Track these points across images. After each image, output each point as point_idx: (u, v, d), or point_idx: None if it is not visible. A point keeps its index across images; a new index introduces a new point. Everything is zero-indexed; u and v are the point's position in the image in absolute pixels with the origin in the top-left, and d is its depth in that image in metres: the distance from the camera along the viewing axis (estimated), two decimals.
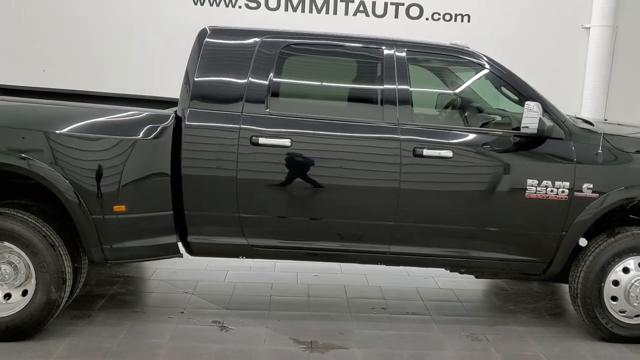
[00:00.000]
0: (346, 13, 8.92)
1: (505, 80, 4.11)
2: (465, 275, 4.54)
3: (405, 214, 3.99)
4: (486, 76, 4.17)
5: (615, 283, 4.14)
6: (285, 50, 4.00)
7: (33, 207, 3.93)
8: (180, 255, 4.11)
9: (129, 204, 3.79)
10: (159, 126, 3.82)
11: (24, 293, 3.82)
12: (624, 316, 4.18)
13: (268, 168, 3.91)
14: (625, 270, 4.14)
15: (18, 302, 3.80)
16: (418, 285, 5.25)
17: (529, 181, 3.98)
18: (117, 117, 3.83)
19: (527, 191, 3.99)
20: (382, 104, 4.00)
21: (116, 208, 3.77)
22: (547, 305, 4.95)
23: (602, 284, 4.12)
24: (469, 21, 8.98)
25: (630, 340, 4.20)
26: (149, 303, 4.58)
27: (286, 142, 3.88)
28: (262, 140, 3.86)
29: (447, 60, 4.25)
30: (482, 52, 4.15)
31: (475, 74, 4.22)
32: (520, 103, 4.09)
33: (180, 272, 5.25)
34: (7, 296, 3.82)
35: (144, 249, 3.92)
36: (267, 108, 3.92)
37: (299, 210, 4.00)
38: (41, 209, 3.95)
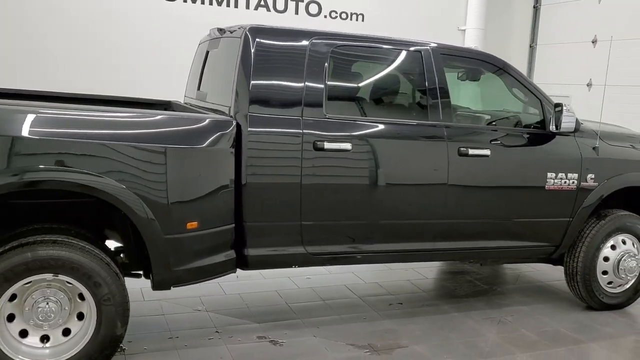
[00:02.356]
0: (247, 7, 8.77)
1: (520, 81, 4.45)
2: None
3: (451, 212, 4.15)
4: (503, 78, 4.48)
5: (606, 259, 4.75)
6: (335, 52, 3.91)
7: (71, 231, 3.38)
8: (235, 271, 3.82)
9: (201, 220, 3.44)
10: (224, 133, 3.51)
11: (66, 333, 3.27)
12: (610, 287, 4.83)
13: (331, 173, 3.81)
14: (613, 247, 4.77)
15: (62, 344, 3.25)
16: (410, 277, 5.46)
17: (549, 174, 4.40)
18: (183, 126, 3.42)
19: (547, 183, 4.40)
20: (426, 105, 4.10)
21: (189, 225, 3.39)
22: (525, 286, 5.48)
23: (596, 261, 4.71)
24: (363, 20, 9.36)
25: (614, 307, 4.86)
26: (172, 327, 4.16)
27: (347, 145, 3.81)
28: (325, 145, 3.74)
29: (473, 62, 4.47)
30: (500, 57, 4.46)
31: (496, 75, 4.50)
32: (530, 103, 4.48)
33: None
34: (46, 339, 3.25)
35: (209, 267, 3.58)
36: (325, 111, 3.80)
37: (360, 214, 3.95)
38: (80, 233, 3.41)
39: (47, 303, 3.17)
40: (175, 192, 3.32)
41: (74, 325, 3.29)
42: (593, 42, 8.76)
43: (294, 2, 8.96)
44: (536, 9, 9.93)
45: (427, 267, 5.76)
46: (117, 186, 3.13)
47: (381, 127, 3.98)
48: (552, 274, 5.81)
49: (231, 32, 4.03)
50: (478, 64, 4.45)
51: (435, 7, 9.72)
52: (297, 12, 9.00)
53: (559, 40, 9.41)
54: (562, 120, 4.16)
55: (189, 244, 3.42)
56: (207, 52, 4.52)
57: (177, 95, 5.19)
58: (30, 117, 3.02)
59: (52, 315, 3.19)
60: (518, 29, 10.17)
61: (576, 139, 4.53)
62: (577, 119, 4.23)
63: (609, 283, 4.81)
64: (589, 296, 4.76)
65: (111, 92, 5.04)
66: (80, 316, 3.29)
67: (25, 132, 2.97)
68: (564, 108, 4.16)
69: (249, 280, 5.05)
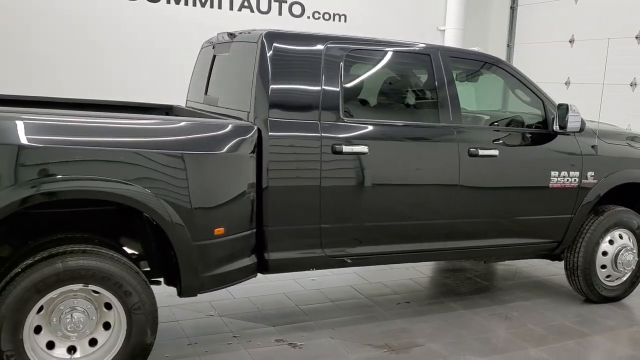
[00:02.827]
0: (231, 8, 8.70)
1: (523, 82, 4.56)
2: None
3: (462, 211, 4.24)
4: (506, 79, 4.59)
5: (604, 253, 4.91)
6: (349, 56, 3.95)
7: (95, 240, 3.34)
8: (255, 275, 3.83)
9: (227, 226, 3.43)
10: (246, 139, 3.51)
11: (92, 343, 3.24)
12: (608, 280, 4.99)
13: (348, 175, 3.85)
14: (611, 242, 4.94)
15: (91, 354, 3.22)
16: (411, 276, 5.54)
17: (552, 172, 4.52)
18: (207, 132, 3.41)
19: (550, 181, 4.53)
20: (437, 106, 4.17)
21: (217, 231, 3.38)
22: (523, 282, 5.62)
23: (596, 256, 4.87)
24: (345, 21, 9.40)
25: (612, 299, 5.04)
26: (188, 333, 4.14)
27: (364, 148, 3.85)
28: (344, 148, 3.78)
29: (478, 65, 4.56)
30: (503, 59, 4.56)
31: (499, 76, 4.60)
32: (533, 104, 4.60)
33: (173, 293, 4.78)
34: (73, 349, 3.21)
35: (233, 273, 3.58)
36: (341, 115, 3.84)
37: (377, 215, 4.00)
38: (104, 241, 3.37)
39: (75, 313, 3.13)
40: (203, 198, 3.32)
41: (101, 335, 3.25)
42: (570, 42, 9.00)
43: (277, 3, 8.95)
44: (513, 9, 10.13)
45: (426, 265, 5.86)
46: (147, 193, 3.11)
47: (396, 129, 4.04)
48: (547, 269, 5.98)
49: (243, 37, 4.03)
50: (485, 67, 4.53)
51: (415, 7, 9.83)
52: (280, 13, 8.99)
53: (536, 40, 9.62)
54: (569, 120, 4.28)
55: (216, 249, 3.42)
56: (214, 56, 4.50)
57: (162, 97, 5.18)
58: (59, 126, 2.98)
59: (81, 326, 3.15)
60: (496, 28, 10.36)
61: (576, 137, 4.66)
62: (582, 119, 4.36)
63: (607, 277, 4.98)
64: (589, 290, 4.91)
65: (98, 96, 4.97)
66: (107, 326, 3.26)
67: (56, 141, 2.93)
68: (570, 108, 4.28)
69: (256, 284, 5.00)
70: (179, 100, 5.11)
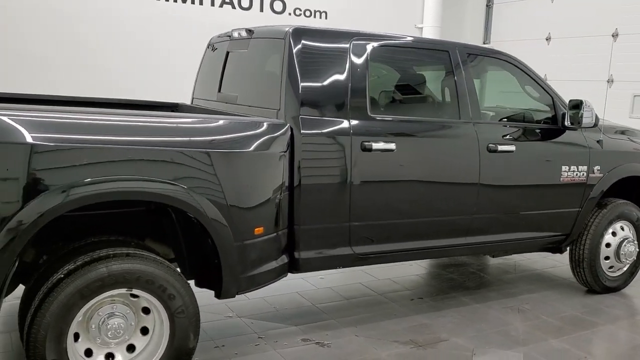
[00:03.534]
0: (212, 4, 8.60)
1: (534, 79, 4.65)
2: None
3: (482, 207, 4.29)
4: (517, 75, 4.66)
5: (608, 245, 5.06)
6: (374, 52, 3.93)
7: (131, 243, 3.24)
8: (286, 275, 3.78)
9: (266, 225, 3.38)
10: (282, 137, 3.46)
11: (130, 349, 3.14)
12: (611, 271, 5.14)
13: (377, 173, 3.84)
14: (614, 234, 5.08)
15: None
16: (416, 272, 5.58)
17: (563, 167, 4.63)
18: (246, 130, 3.33)
19: (561, 176, 4.63)
20: (457, 103, 4.20)
21: (257, 231, 3.32)
22: (524, 275, 5.73)
23: (600, 247, 5.01)
24: (326, 18, 9.40)
25: (614, 290, 5.19)
26: (212, 335, 4.05)
27: (392, 145, 3.85)
28: (373, 146, 3.76)
29: (493, 61, 4.60)
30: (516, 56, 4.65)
31: (511, 73, 4.67)
32: (543, 100, 4.70)
33: None
34: (111, 357, 3.10)
35: (268, 273, 3.52)
36: (368, 112, 3.82)
37: (403, 212, 4.01)
38: (138, 244, 3.28)
39: (115, 319, 3.02)
40: (244, 197, 3.25)
41: (139, 341, 3.16)
42: (547, 40, 9.22)
43: (259, 0, 8.87)
44: (489, 7, 10.32)
45: (427, 260, 5.90)
46: (192, 194, 3.02)
47: (421, 125, 4.06)
48: (543, 261, 6.12)
49: (265, 33, 3.97)
50: (497, 63, 4.59)
51: (394, 5, 9.91)
52: (262, 10, 8.93)
53: (513, 37, 9.82)
54: (584, 116, 4.38)
55: (255, 250, 3.36)
56: (228, 53, 4.42)
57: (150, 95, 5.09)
58: (111, 126, 2.88)
59: (121, 332, 3.05)
60: (472, 26, 10.54)
61: (583, 133, 4.78)
62: (596, 115, 4.47)
63: (610, 268, 5.13)
64: (594, 281, 5.05)
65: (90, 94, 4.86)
66: (144, 331, 3.17)
67: (108, 141, 2.82)
68: (584, 104, 4.38)
69: None
70: (166, 98, 5.02)
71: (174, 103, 4.97)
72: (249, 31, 4.15)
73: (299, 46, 3.68)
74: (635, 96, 7.76)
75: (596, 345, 4.20)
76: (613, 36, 8.33)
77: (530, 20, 9.53)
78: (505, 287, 5.31)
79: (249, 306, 4.58)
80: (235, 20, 8.59)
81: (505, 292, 5.16)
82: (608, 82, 8.37)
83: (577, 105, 4.45)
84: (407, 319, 4.46)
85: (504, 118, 4.83)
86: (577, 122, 4.44)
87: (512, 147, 4.34)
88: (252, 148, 3.29)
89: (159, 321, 3.12)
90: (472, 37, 10.46)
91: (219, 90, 4.46)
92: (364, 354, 3.86)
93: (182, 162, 3.02)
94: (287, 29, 3.73)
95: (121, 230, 3.43)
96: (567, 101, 4.65)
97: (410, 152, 3.94)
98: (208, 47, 4.87)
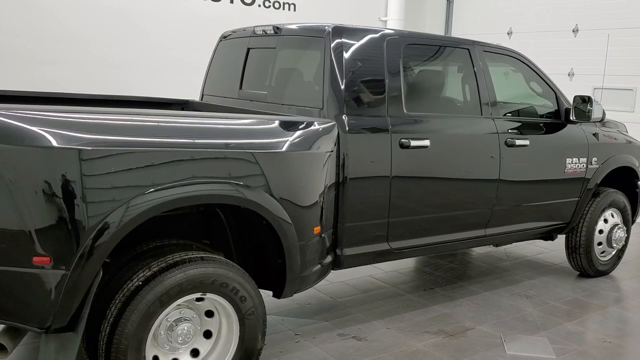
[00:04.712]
0: None
1: (540, 75, 4.86)
2: None
3: (501, 200, 4.47)
4: (524, 72, 4.86)
5: (600, 232, 5.38)
6: (406, 50, 4.01)
7: (193, 246, 3.19)
8: (329, 273, 3.82)
9: (322, 225, 3.40)
10: (332, 136, 3.48)
11: (194, 354, 3.11)
12: (602, 256, 5.48)
13: (413, 169, 3.93)
14: (605, 221, 5.41)
15: None
16: (416, 263, 5.73)
17: (567, 159, 4.88)
18: (301, 130, 3.32)
19: (566, 168, 4.88)
20: (479, 99, 4.35)
21: (315, 230, 3.34)
22: (519, 262, 6.00)
23: (594, 234, 5.32)
24: (295, 10, 9.39)
25: (604, 273, 5.54)
26: None
27: (426, 142, 3.95)
28: (411, 143, 3.85)
29: (504, 59, 4.77)
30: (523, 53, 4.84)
31: (519, 69, 4.86)
32: (546, 95, 4.93)
33: None
34: None
35: (318, 271, 3.55)
36: (404, 109, 3.90)
37: (436, 207, 4.12)
38: (199, 247, 3.23)
39: (185, 324, 2.98)
40: (304, 197, 3.26)
41: (202, 345, 3.12)
42: (509, 34, 9.58)
43: None
44: (449, 1, 10.58)
45: None
46: (264, 194, 3.01)
47: (451, 122, 4.18)
48: (530, 248, 6.42)
49: (300, 31, 3.97)
50: (507, 59, 4.77)
51: None
52: (232, 2, 8.80)
53: (474, 32, 10.11)
54: (594, 111, 4.63)
55: (312, 248, 3.38)
56: (249, 50, 4.38)
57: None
58: (201, 129, 2.84)
59: (190, 337, 3.01)
60: (433, 20, 10.78)
61: (582, 126, 5.05)
62: (603, 110, 4.73)
63: (602, 253, 5.46)
64: (589, 266, 5.36)
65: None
66: (207, 334, 3.13)
67: (198, 144, 2.79)
68: (594, 100, 4.63)
69: None
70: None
71: (183, 100, 4.87)
72: (277, 29, 4.12)
73: (340, 44, 3.70)
74: (595, 89, 8.19)
75: (608, 327, 4.47)
76: (573, 31, 8.76)
77: (491, 15, 9.86)
78: (505, 274, 5.55)
79: (271, 303, 4.56)
80: (205, 13, 8.49)
81: (507, 280, 5.38)
82: (569, 75, 8.81)
83: (584, 100, 4.69)
84: (428, 310, 4.59)
85: (515, 113, 5.02)
86: (585, 116, 4.68)
87: (527, 142, 4.54)
88: (310, 148, 3.30)
89: (227, 324, 3.09)
90: (433, 30, 10.70)
91: (240, 87, 4.41)
92: (401, 346, 3.96)
93: (253, 163, 2.99)
94: (326, 27, 3.74)
95: (169, 233, 3.37)
96: (566, 96, 4.90)
97: (442, 148, 4.05)
98: (219, 43, 4.80)
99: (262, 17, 8.68)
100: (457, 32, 10.54)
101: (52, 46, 7.20)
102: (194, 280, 2.85)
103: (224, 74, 4.66)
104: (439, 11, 10.80)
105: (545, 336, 4.22)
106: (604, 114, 4.84)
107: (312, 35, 3.83)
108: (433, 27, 10.77)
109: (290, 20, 8.93)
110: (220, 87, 4.67)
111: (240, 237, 3.45)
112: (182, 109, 4.81)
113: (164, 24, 7.98)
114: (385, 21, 10.25)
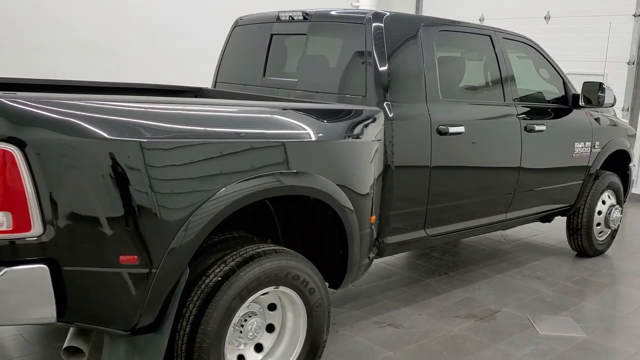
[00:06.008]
0: None
1: (549, 61, 4.98)
2: None
3: (522, 184, 4.57)
4: (534, 58, 4.96)
5: (599, 212, 5.59)
6: (438, 37, 4.01)
7: (254, 239, 3.12)
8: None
9: (376, 214, 3.38)
10: (381, 123, 3.46)
11: (257, 349, 3.05)
12: (599, 236, 5.70)
13: (450, 156, 3.95)
14: (603, 202, 5.62)
15: None
16: (426, 249, 5.80)
17: (576, 144, 5.03)
18: (359, 118, 3.28)
19: (574, 152, 5.03)
20: (502, 85, 4.41)
21: (372, 219, 3.31)
22: (518, 244, 6.16)
23: (594, 215, 5.52)
24: None
25: (601, 252, 5.76)
26: None
27: (461, 128, 3.98)
28: (449, 129, 3.87)
29: (519, 45, 4.84)
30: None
31: (531, 55, 4.95)
32: (554, 81, 5.05)
33: None
34: (241, 359, 3.00)
35: (367, 263, 3.53)
36: (440, 96, 3.92)
37: (469, 193, 4.17)
38: (261, 239, 3.16)
39: (255, 319, 2.91)
40: (363, 186, 3.23)
41: (266, 339, 3.06)
42: (480, 21, 9.74)
43: None
44: None
45: None
46: (331, 184, 2.97)
47: (480, 109, 4.22)
48: (525, 230, 6.59)
49: (335, 17, 3.90)
50: (522, 47, 4.84)
51: None
52: None
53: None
54: (606, 97, 4.78)
55: (368, 238, 3.35)
56: (272, 36, 4.27)
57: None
58: (261, 120, 2.73)
59: (259, 332, 2.94)
60: (404, 7, 10.82)
61: (584, 112, 5.20)
62: (614, 96, 4.89)
63: (600, 233, 5.67)
64: (589, 246, 5.57)
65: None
66: (269, 328, 3.07)
67: (260, 135, 2.68)
68: (605, 86, 4.78)
69: None
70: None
71: (197, 87, 4.72)
72: (306, 14, 4.04)
73: (381, 31, 3.66)
74: (567, 74, 8.45)
75: (623, 304, 4.66)
76: (545, 18, 9.00)
77: (463, 1, 9.99)
78: (509, 257, 5.69)
79: None
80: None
81: (513, 262, 5.52)
82: None
83: (594, 86, 4.84)
84: (451, 294, 4.65)
85: (528, 99, 5.10)
86: (596, 102, 4.82)
87: (544, 127, 4.64)
88: (365, 136, 3.27)
89: (293, 317, 3.04)
90: None
91: (264, 75, 4.30)
92: (439, 331, 4.00)
93: (324, 153, 2.95)
94: (366, 14, 3.69)
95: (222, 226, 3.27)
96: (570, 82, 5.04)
97: (474, 135, 4.09)
98: (233, 29, 4.66)
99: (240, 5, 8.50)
100: None
101: (46, 32, 6.85)
102: (270, 273, 2.78)
103: (241, 61, 4.54)
104: None
105: (568, 316, 4.35)
106: (615, 99, 5.01)
107: (351, 22, 3.77)
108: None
109: (252, 5, 8.79)
110: (237, 74, 4.55)
111: (288, 229, 3.39)
112: (196, 97, 4.66)
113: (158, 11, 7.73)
114: (357, 6, 10.21)
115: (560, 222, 5.89)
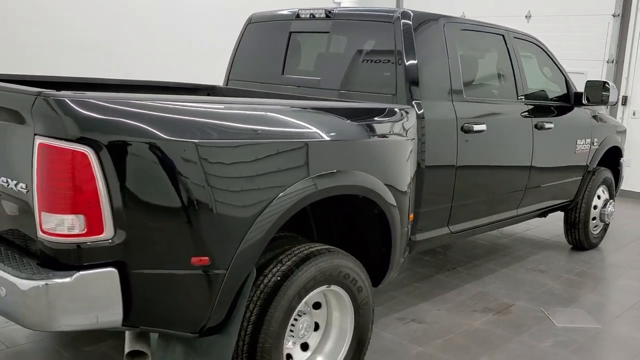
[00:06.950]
0: None
1: (552, 60, 5.11)
2: None
3: (531, 180, 4.69)
4: (539, 57, 5.09)
5: (595, 207, 5.78)
6: (460, 36, 4.07)
7: (299, 238, 3.12)
8: None
9: (414, 212, 3.42)
10: (414, 121, 3.50)
11: (304, 347, 3.06)
12: (594, 230, 5.89)
13: (473, 153, 4.03)
14: (599, 197, 5.81)
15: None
16: None
17: (578, 141, 5.19)
18: (397, 116, 3.30)
19: (576, 149, 5.19)
20: (515, 84, 4.51)
21: (410, 217, 3.35)
22: (514, 239, 6.31)
23: (591, 209, 5.71)
24: None
25: (594, 246, 5.96)
26: None
27: (484, 127, 4.05)
28: (473, 127, 3.94)
29: (527, 44, 4.94)
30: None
31: (536, 54, 5.07)
32: (557, 80, 5.20)
33: None
34: (290, 357, 3.00)
35: (402, 261, 3.57)
36: (464, 94, 3.98)
37: (490, 190, 4.26)
38: (303, 239, 3.16)
39: (306, 318, 2.92)
40: (403, 184, 3.26)
41: (311, 338, 3.07)
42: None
43: None
44: None
45: None
46: (379, 183, 3.00)
47: (498, 107, 4.31)
48: (518, 225, 6.69)
49: (362, 15, 3.93)
50: (528, 46, 4.96)
51: None
52: None
53: None
54: (610, 95, 4.93)
55: (406, 236, 3.39)
56: (291, 34, 4.26)
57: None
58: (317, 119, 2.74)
59: (309, 330, 2.95)
60: (385, 2, 10.89)
61: (584, 109, 5.37)
62: (618, 94, 5.06)
63: (595, 227, 5.86)
64: (586, 239, 5.75)
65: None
66: (315, 327, 3.08)
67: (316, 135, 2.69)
68: (610, 84, 4.93)
69: None
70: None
71: (210, 85, 4.66)
72: (329, 12, 4.04)
73: (409, 29, 3.70)
74: None
75: (626, 295, 4.83)
76: (526, 17, 9.20)
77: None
78: (509, 251, 5.82)
79: None
80: None
81: (514, 256, 5.65)
82: None
83: (598, 84, 4.99)
84: (463, 289, 4.74)
85: (535, 97, 5.21)
86: (600, 100, 4.98)
87: (552, 125, 4.77)
88: (405, 134, 3.30)
89: (339, 315, 3.05)
90: None
91: (282, 73, 4.29)
92: (462, 326, 4.07)
93: (373, 152, 2.98)
94: (394, 12, 3.73)
95: None
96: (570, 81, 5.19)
97: (495, 133, 4.17)
98: (247, 27, 4.62)
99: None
100: None
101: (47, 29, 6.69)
102: (325, 272, 2.80)
103: (256, 59, 4.51)
104: None
105: (579, 307, 4.49)
106: (618, 97, 5.18)
107: (379, 20, 3.80)
108: None
109: (252, 5, 8.74)
110: (252, 72, 4.52)
111: (324, 229, 3.39)
112: (209, 95, 4.61)
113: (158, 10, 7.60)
114: (339, 3, 10.23)
115: (551, 216, 6.04)
